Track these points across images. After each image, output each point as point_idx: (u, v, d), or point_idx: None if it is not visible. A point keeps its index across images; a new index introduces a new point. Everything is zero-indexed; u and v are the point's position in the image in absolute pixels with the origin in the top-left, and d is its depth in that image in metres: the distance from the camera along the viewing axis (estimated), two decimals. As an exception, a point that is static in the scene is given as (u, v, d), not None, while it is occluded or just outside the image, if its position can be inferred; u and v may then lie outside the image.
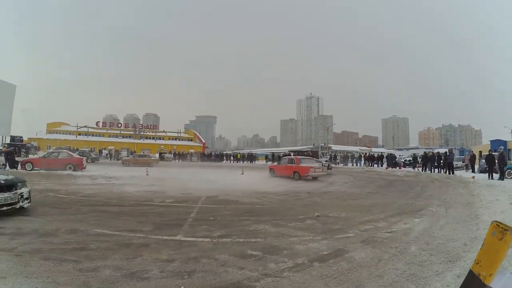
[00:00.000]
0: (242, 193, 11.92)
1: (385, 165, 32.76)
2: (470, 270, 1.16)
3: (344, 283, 3.60)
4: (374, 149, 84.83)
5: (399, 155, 45.15)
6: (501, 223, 1.08)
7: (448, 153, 21.25)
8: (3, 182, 6.98)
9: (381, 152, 45.48)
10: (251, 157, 50.84)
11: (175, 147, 72.06)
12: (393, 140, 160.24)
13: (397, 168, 30.01)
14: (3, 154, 21.46)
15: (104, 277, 3.72)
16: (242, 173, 21.18)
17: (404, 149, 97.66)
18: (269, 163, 36.38)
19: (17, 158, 20.93)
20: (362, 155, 40.15)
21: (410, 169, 28.59)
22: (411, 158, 33.28)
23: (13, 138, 43.05)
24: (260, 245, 5.07)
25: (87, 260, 4.24)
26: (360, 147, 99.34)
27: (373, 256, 4.53)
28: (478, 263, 1.14)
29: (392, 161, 32.33)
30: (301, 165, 18.90)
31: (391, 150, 79.94)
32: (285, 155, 44.81)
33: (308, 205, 9.42)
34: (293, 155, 33.48)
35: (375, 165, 34.24)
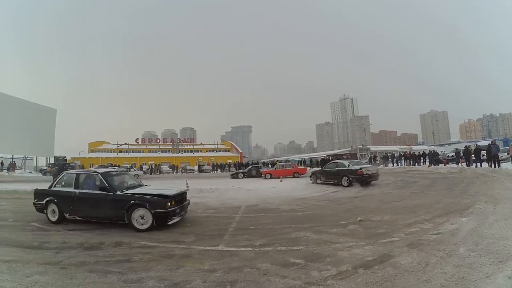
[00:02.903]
0: (282, 201, 11.81)
1: (427, 163, 31.60)
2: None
3: None
4: (414, 147, 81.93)
5: (441, 151, 43.46)
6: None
7: (491, 145, 20.16)
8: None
9: (422, 150, 43.73)
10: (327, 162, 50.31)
11: (213, 158, 72.99)
12: (433, 135, 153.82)
13: (440, 165, 28.85)
14: (53, 172, 22.41)
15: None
16: (281, 181, 21.08)
17: (446, 144, 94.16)
18: (309, 169, 35.97)
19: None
20: (403, 154, 38.68)
21: (454, 165, 27.38)
22: (453, 154, 31.89)
23: (57, 158, 45.34)
24: (302, 253, 4.99)
25: (131, 272, 4.34)
26: (399, 146, 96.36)
27: (420, 260, 4.38)
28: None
29: (434, 158, 31.04)
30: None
31: (432, 146, 76.87)
32: (323, 159, 44.38)
33: (350, 210, 9.19)
34: (332, 159, 33.18)
35: (416, 164, 33.05)
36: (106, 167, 28.73)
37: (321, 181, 18.57)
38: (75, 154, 72.29)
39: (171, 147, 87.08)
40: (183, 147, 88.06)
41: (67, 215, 8.15)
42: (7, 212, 10.12)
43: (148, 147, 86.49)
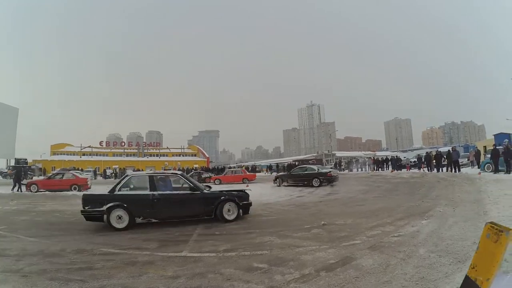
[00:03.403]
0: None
1: (390, 168, 32.60)
2: (466, 275, 1.14)
3: None
4: (378, 153, 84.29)
5: (404, 157, 44.94)
6: (495, 224, 1.05)
7: (452, 151, 21.11)
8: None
9: (386, 156, 45.09)
10: (255, 170, 50.70)
11: (179, 163, 72.33)
12: (397, 142, 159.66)
13: (403, 170, 29.85)
14: (13, 175, 21.66)
15: (110, 295, 3.72)
16: (247, 186, 21.15)
17: (409, 150, 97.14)
18: (274, 174, 36.77)
19: (22, 181, 21.01)
20: (367, 160, 39.85)
21: (416, 170, 28.42)
22: (416, 159, 33.10)
23: (17, 161, 43.60)
24: (266, 257, 5.02)
25: (93, 279, 4.26)
26: (364, 152, 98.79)
27: (381, 262, 4.48)
28: (474, 267, 1.11)
29: (397, 164, 32.16)
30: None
31: (396, 152, 79.31)
32: (290, 164, 44.90)
33: (314, 214, 9.34)
34: (298, 164, 33.93)
35: (380, 169, 34.05)
36: (69, 170, 27.84)
37: (288, 184, 21.75)
38: (37, 157, 69.31)
39: (136, 150, 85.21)
40: (148, 151, 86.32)
41: (139, 219, 8.11)
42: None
43: (112, 150, 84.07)
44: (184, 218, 8.34)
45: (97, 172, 48.56)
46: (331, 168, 30.96)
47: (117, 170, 48.49)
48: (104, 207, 7.72)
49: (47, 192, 18.44)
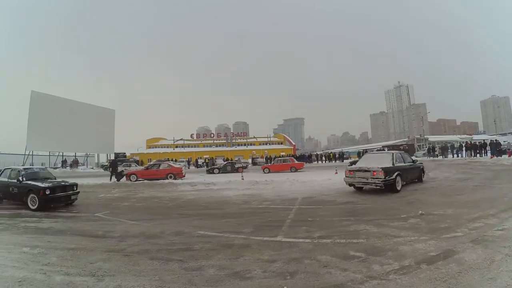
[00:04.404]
0: (339, 193, 11.62)
1: (489, 154, 29.67)
2: None
3: (454, 287, 3.28)
4: (475, 137, 76.72)
5: (504, 141, 40.38)
6: None
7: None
8: None
9: (483, 140, 40.71)
10: (342, 156, 49.70)
11: (266, 151, 73.01)
12: (495, 124, 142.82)
13: (503, 156, 26.92)
14: (109, 167, 23.98)
15: (208, 276, 3.86)
16: (336, 173, 20.76)
17: (509, 133, 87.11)
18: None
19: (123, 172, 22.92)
20: (463, 145, 36.25)
21: (518, 156, 25.46)
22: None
23: (117, 155, 48.18)
24: (363, 246, 4.84)
25: (192, 260, 4.46)
26: (459, 136, 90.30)
27: (485, 257, 4.09)
28: None
29: (497, 149, 29.08)
30: None
31: (494, 136, 71.27)
32: (378, 151, 43.14)
33: (411, 203, 8.78)
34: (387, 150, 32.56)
35: (478, 155, 31.09)
36: (164, 161, 29.98)
37: None
38: (134, 150, 76.03)
39: (225, 141, 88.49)
40: (236, 141, 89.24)
41: (404, 183, 11.68)
42: (71, 205, 10.81)
43: (203, 141, 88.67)
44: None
45: (190, 162, 51.34)
46: (424, 154, 29.10)
47: (208, 159, 50.79)
48: (393, 176, 10.90)
49: (145, 181, 19.71)
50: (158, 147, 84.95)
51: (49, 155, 47.52)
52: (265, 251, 4.81)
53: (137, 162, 44.95)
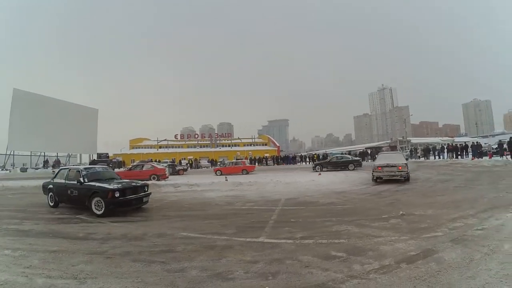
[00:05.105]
0: (322, 194, 11.78)
1: (470, 156, 30.26)
2: None
3: (434, 285, 3.38)
4: (456, 139, 78.15)
5: (485, 143, 41.24)
6: None
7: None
8: None
9: (465, 142, 41.57)
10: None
11: (250, 152, 72.97)
12: (477, 126, 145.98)
13: (484, 158, 27.52)
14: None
15: (190, 277, 3.89)
16: (319, 174, 20.89)
17: (490, 135, 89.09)
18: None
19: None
20: (445, 147, 36.92)
21: (498, 158, 26.03)
22: (497, 146, 30.29)
23: (99, 155, 47.56)
24: (344, 246, 4.94)
25: (174, 261, 4.47)
26: (441, 138, 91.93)
27: (464, 256, 4.22)
28: None
29: (478, 151, 29.65)
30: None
31: (475, 138, 72.82)
32: (362, 152, 43.67)
33: (392, 203, 8.95)
34: (371, 152, 33.25)
35: (459, 157, 31.70)
36: (147, 162, 29.68)
37: (327, 169, 25.49)
38: (117, 151, 74.98)
39: (209, 142, 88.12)
40: (220, 141, 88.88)
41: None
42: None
43: (187, 142, 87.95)
44: None
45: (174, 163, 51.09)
46: (406, 155, 29.84)
47: (192, 160, 50.50)
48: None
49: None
50: (142, 147, 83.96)
51: (31, 155, 46.62)
52: (247, 252, 4.85)
53: (119, 163, 44.37)
